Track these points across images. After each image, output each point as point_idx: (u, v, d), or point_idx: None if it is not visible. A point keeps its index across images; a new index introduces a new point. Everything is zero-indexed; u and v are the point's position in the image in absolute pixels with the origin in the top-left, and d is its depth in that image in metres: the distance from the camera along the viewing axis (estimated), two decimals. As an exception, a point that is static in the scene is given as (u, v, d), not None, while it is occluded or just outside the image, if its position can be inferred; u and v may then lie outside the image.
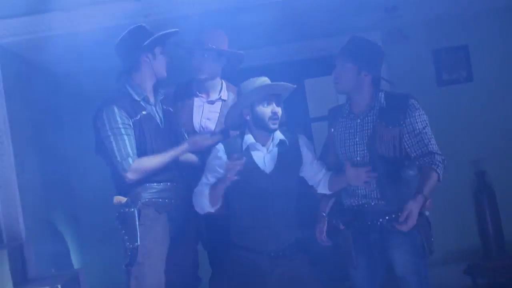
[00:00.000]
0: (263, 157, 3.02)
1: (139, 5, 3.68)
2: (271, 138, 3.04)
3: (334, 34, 4.40)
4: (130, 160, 2.90)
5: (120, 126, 2.91)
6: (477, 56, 4.81)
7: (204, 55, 3.26)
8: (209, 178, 2.99)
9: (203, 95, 3.36)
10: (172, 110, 3.21)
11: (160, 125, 3.07)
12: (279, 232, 2.98)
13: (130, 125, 2.94)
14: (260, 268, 2.96)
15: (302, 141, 3.12)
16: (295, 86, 3.03)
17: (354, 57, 2.94)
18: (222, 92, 3.37)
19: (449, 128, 4.61)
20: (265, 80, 3.00)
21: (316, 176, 3.10)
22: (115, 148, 2.91)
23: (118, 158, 2.90)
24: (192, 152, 3.10)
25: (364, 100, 3.00)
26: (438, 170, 2.84)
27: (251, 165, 2.97)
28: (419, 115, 2.91)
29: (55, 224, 4.27)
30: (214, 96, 3.36)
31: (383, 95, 3.00)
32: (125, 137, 2.91)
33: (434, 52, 4.84)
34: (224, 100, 3.35)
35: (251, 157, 2.99)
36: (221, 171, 2.94)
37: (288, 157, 3.04)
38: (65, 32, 3.73)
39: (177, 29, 3.08)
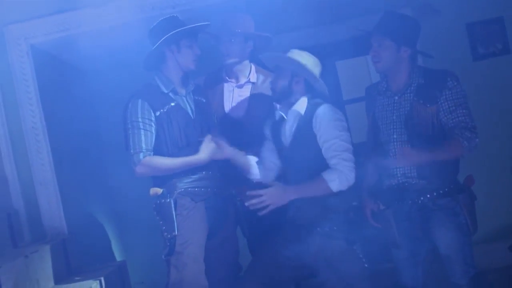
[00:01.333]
0: (285, 128, 3.04)
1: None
2: (292, 109, 3.02)
3: (364, 13, 4.32)
4: (141, 155, 2.94)
5: (140, 120, 2.95)
6: (513, 27, 4.68)
7: (231, 40, 3.25)
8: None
9: (233, 80, 3.36)
10: (204, 100, 3.20)
11: (192, 116, 3.07)
12: (302, 205, 2.94)
13: (151, 120, 2.96)
14: (297, 241, 2.96)
15: (319, 115, 2.92)
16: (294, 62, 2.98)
17: (392, 33, 2.88)
18: (251, 75, 3.36)
19: (488, 103, 4.50)
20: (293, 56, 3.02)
21: (328, 160, 2.93)
22: (130, 141, 2.96)
23: (131, 151, 2.96)
24: (209, 159, 3.01)
25: (403, 76, 2.95)
26: (464, 143, 2.76)
27: (278, 137, 3.07)
28: (456, 92, 2.85)
29: (96, 218, 4.33)
30: (243, 79, 3.36)
31: (421, 72, 2.95)
32: (142, 131, 2.95)
33: (468, 26, 4.71)
34: (253, 83, 3.35)
35: (278, 128, 3.09)
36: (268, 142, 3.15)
37: (303, 129, 2.96)
38: (95, 28, 3.76)
39: (206, 23, 3.07)
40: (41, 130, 3.78)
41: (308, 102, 3.00)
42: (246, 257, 3.29)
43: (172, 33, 2.94)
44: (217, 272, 3.04)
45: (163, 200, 2.93)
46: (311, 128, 2.93)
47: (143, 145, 2.94)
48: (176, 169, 2.96)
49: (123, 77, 4.32)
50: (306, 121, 2.95)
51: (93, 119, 4.63)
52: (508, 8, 4.65)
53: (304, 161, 2.95)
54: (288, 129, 3.01)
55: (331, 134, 2.89)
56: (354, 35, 4.54)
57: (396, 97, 2.95)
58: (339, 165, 2.87)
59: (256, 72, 3.38)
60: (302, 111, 2.98)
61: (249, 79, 3.36)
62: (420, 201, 2.91)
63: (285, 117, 3.03)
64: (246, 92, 3.36)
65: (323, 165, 2.91)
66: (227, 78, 3.37)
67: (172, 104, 3.02)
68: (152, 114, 2.97)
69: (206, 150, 2.95)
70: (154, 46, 2.99)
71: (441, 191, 2.88)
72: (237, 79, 3.36)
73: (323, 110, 2.93)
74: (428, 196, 2.89)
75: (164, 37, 2.94)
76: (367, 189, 3.09)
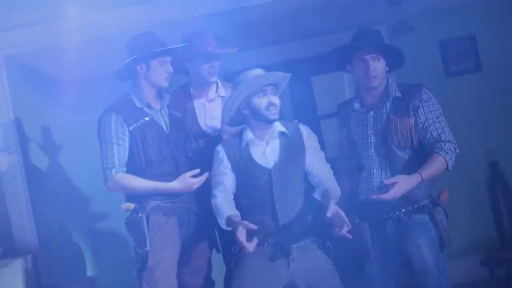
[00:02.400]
0: (263, 151, 2.97)
1: (144, 10, 3.68)
2: (271, 130, 2.99)
3: (340, 29, 4.37)
4: (113, 171, 2.92)
5: (113, 134, 2.93)
6: (484, 45, 4.76)
7: (214, 61, 3.26)
8: (218, 189, 2.93)
9: (202, 96, 3.36)
10: (180, 115, 3.20)
11: (166, 130, 3.05)
12: (289, 225, 2.91)
13: (125, 134, 2.94)
14: (275, 262, 2.91)
15: (306, 131, 3.03)
16: (289, 74, 2.96)
17: (380, 49, 2.94)
18: (219, 89, 3.39)
19: (460, 119, 4.56)
20: (258, 72, 2.95)
21: (314, 176, 2.97)
22: (103, 156, 2.94)
23: (104, 166, 2.94)
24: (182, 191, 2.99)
25: (379, 91, 2.99)
26: (446, 157, 2.84)
27: (251, 163, 2.95)
28: (432, 104, 2.92)
29: (69, 232, 4.27)
30: (212, 95, 3.37)
31: (395, 86, 2.99)
32: (115, 146, 2.93)
33: (441, 43, 4.80)
34: (223, 97, 3.37)
35: (250, 154, 2.97)
36: (226, 171, 2.95)
37: (291, 148, 2.97)
38: (70, 40, 3.73)
39: (181, 45, 3.08)
40: (13, 143, 3.72)
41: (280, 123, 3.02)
42: (219, 272, 3.26)
43: (136, 56, 2.94)
44: (189, 287, 3.01)
45: (135, 215, 2.90)
46: (302, 144, 2.97)
47: (116, 160, 2.92)
48: (146, 192, 2.93)
49: (101, 89, 4.29)
50: (294, 140, 2.98)
51: (67, 131, 4.57)
52: (480, 27, 4.75)
53: (295, 177, 2.96)
54: (272, 150, 2.98)
55: (317, 147, 3.03)
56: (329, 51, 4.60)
57: (372, 112, 2.99)
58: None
59: (223, 86, 3.40)
60: (287, 130, 3.00)
61: (219, 93, 3.38)
62: (395, 216, 2.94)
63: (260, 141, 2.98)
64: (217, 106, 3.37)
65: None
66: (195, 94, 3.37)
67: (146, 118, 3.00)
68: (126, 128, 2.94)
69: (183, 182, 2.92)
70: (124, 64, 2.97)
71: (416, 206, 2.92)
72: (206, 95, 3.37)
73: (305, 127, 3.05)
74: (404, 210, 2.92)
75: (132, 57, 2.94)
76: (340, 202, 3.10)
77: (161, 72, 3.03)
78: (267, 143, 2.98)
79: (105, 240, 4.59)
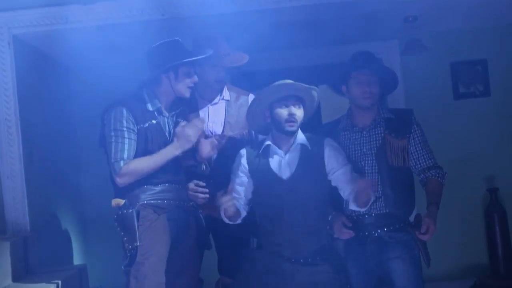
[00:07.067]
0: (280, 161, 2.94)
1: (157, 3, 3.65)
2: (292, 141, 2.95)
3: (353, 41, 4.36)
4: (122, 163, 2.85)
5: (124, 129, 2.87)
6: (495, 71, 4.76)
7: (223, 69, 3.24)
8: (234, 186, 2.93)
9: (205, 98, 3.33)
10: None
11: (168, 137, 3.00)
12: (297, 239, 2.89)
13: (134, 131, 2.89)
14: (281, 272, 2.89)
15: (329, 146, 2.95)
16: (315, 87, 2.91)
17: (377, 71, 3.03)
18: (224, 92, 3.35)
19: (464, 143, 4.57)
20: (288, 82, 2.91)
21: (345, 187, 2.90)
22: (112, 149, 2.87)
23: (112, 159, 2.87)
24: (186, 151, 2.93)
25: (371, 113, 3.06)
26: (443, 182, 3.01)
27: (267, 170, 2.93)
28: (421, 129, 3.06)
29: (61, 218, 4.24)
30: (217, 98, 3.33)
31: (386, 108, 3.14)
32: (126, 140, 2.87)
33: (452, 65, 4.79)
34: (227, 100, 3.34)
35: (267, 161, 2.95)
36: (242, 175, 2.96)
37: (310, 162, 2.91)
38: (81, 25, 3.70)
39: (209, 54, 3.01)
40: (14, 123, 3.69)
41: (304, 135, 2.98)
42: (208, 271, 3.24)
43: (171, 64, 2.89)
44: (177, 285, 2.99)
45: (125, 211, 2.84)
46: (323, 161, 2.91)
47: (125, 154, 2.85)
48: (156, 166, 2.87)
49: (105, 77, 4.28)
50: (314, 154, 2.92)
51: (69, 117, 4.56)
52: (492, 51, 4.73)
53: (311, 192, 2.90)
54: (289, 161, 2.93)
55: (341, 162, 2.94)
56: (340, 61, 4.58)
57: (365, 132, 3.05)
58: None
59: (228, 90, 3.38)
60: (309, 143, 2.94)
61: (223, 97, 3.35)
62: (376, 234, 2.98)
63: (279, 150, 2.95)
64: (221, 110, 3.34)
65: (329, 195, 2.96)
66: (199, 97, 3.33)
67: (153, 121, 2.95)
68: (135, 126, 2.89)
69: (181, 137, 2.87)
70: (153, 74, 2.91)
71: (397, 226, 2.97)
72: (211, 98, 3.34)
73: (329, 144, 2.96)
74: (385, 229, 2.97)
75: (165, 67, 2.88)
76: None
77: (187, 82, 2.98)
78: (286, 153, 2.94)
79: (96, 229, 4.57)
